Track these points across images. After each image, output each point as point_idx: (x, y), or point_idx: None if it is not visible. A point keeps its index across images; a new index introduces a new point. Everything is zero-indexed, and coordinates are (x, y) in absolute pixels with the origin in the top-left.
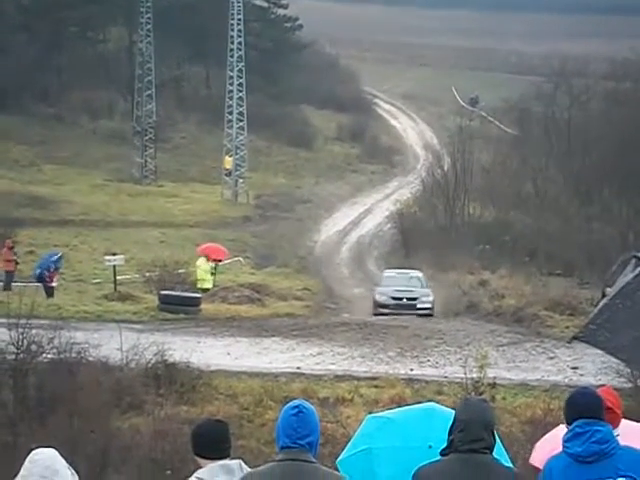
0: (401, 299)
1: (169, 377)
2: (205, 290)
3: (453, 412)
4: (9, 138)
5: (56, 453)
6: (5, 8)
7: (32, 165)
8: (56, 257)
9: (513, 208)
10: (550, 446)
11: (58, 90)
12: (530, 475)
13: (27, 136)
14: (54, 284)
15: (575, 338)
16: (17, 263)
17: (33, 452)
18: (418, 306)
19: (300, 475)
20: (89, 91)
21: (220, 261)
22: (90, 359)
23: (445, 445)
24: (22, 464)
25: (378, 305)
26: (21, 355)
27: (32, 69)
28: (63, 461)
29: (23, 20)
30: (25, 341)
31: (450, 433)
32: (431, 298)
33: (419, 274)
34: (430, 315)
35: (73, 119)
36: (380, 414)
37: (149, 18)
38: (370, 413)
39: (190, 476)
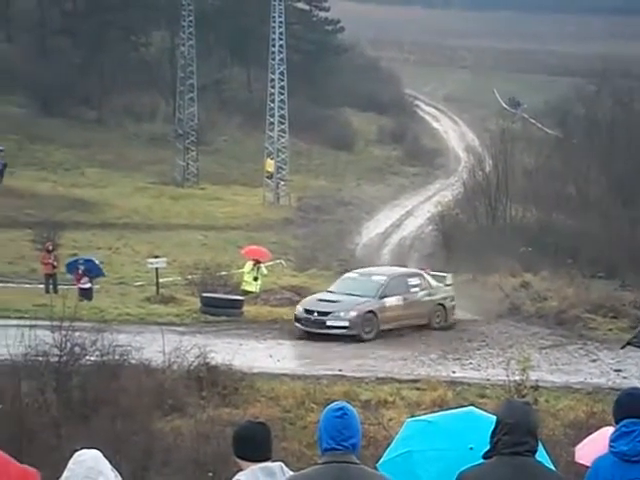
0: (312, 312)
1: (211, 379)
2: (249, 293)
3: (491, 416)
4: (52, 141)
5: (100, 454)
6: (49, 13)
7: (75, 168)
8: (82, 260)
9: (555, 210)
10: (597, 445)
11: (101, 94)
12: (572, 478)
13: (70, 139)
14: (84, 285)
15: (629, 344)
16: (54, 267)
17: (77, 453)
18: (328, 323)
19: (346, 477)
20: (132, 94)
21: (259, 262)
22: (132, 361)
23: (487, 448)
24: (66, 465)
25: (295, 318)
26: (64, 357)
27: (75, 73)
28: (107, 462)
29: (66, 24)
30: (68, 343)
31: (493, 436)
32: (353, 314)
33: (396, 274)
34: (349, 336)
35: (116, 122)
36: (419, 418)
37: (191, 21)
38: (412, 415)
39: (231, 478)
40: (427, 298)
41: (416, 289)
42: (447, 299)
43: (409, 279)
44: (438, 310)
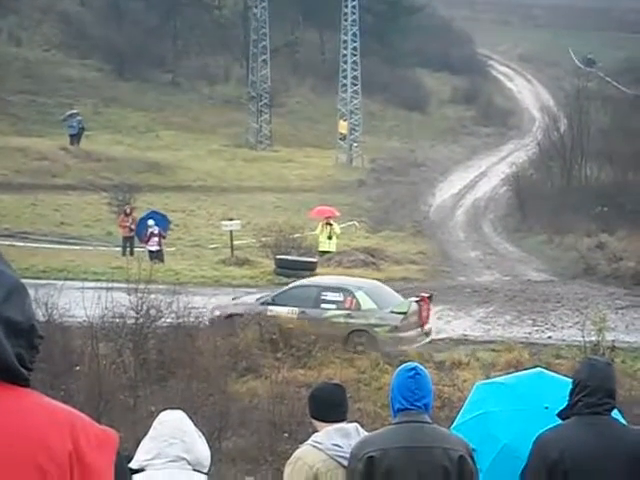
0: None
1: (285, 341)
2: (326, 253)
3: (561, 377)
4: (127, 105)
5: (184, 415)
6: None
7: (149, 131)
8: (147, 215)
9: (632, 169)
10: None
11: (174, 56)
12: None
13: (144, 102)
14: (152, 247)
15: None
16: (132, 230)
17: (162, 414)
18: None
19: (421, 436)
20: (205, 57)
21: (330, 222)
22: (207, 323)
23: (563, 407)
24: (144, 425)
25: None
26: (141, 319)
27: (149, 36)
28: (191, 423)
29: None
30: (144, 306)
31: (572, 395)
32: (216, 313)
33: (305, 284)
34: None
35: (189, 85)
36: (488, 381)
37: None
38: (487, 377)
39: (307, 439)
40: (342, 320)
41: (330, 306)
42: (382, 327)
43: (325, 293)
44: (358, 336)
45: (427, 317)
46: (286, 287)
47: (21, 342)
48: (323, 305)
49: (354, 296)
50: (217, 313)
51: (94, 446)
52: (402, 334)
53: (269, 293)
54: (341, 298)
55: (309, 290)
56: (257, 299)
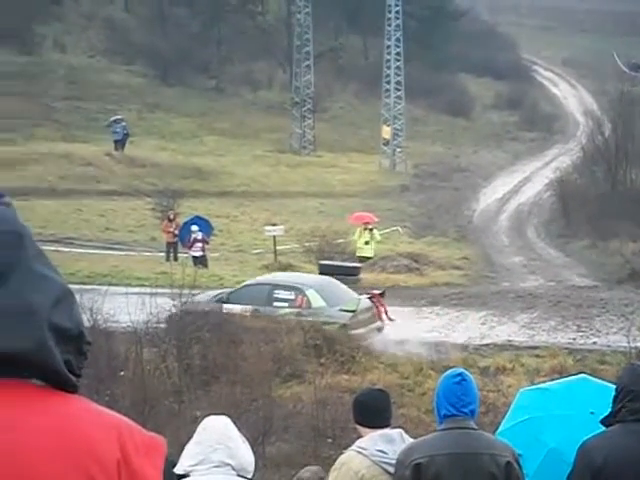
0: None
1: (329, 346)
2: (365, 259)
3: (604, 383)
4: (171, 110)
5: (229, 420)
6: None
7: (194, 137)
8: (190, 221)
9: None
10: None
11: (219, 62)
12: None
13: (189, 108)
14: (196, 253)
15: None
16: (175, 235)
17: (206, 419)
18: None
19: (468, 443)
20: (249, 63)
21: (369, 227)
22: (252, 329)
23: (607, 414)
24: (188, 430)
25: None
26: (185, 325)
27: (193, 42)
28: (235, 428)
29: None
30: (189, 311)
31: (615, 402)
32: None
33: (260, 282)
34: None
35: (233, 91)
36: (532, 387)
37: None
38: (532, 383)
39: (351, 445)
40: (292, 317)
41: (282, 304)
42: (331, 325)
43: (277, 291)
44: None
45: (380, 314)
46: (240, 285)
47: (70, 348)
48: (275, 303)
49: (305, 294)
50: (174, 310)
51: (142, 453)
52: (351, 331)
53: (224, 291)
54: (292, 296)
55: (262, 288)
56: (213, 297)
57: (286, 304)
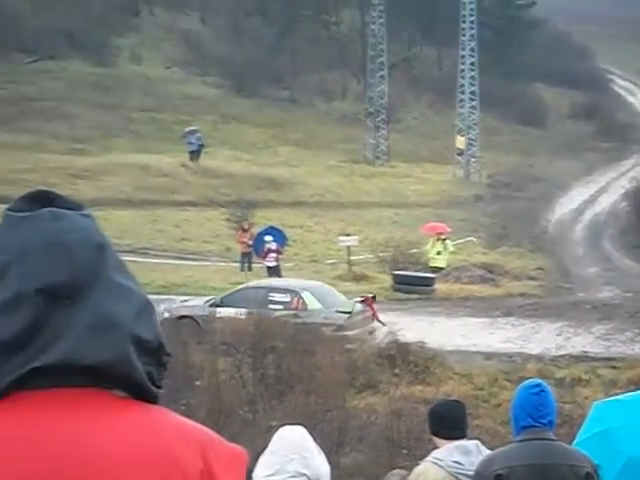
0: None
1: (403, 357)
2: (437, 269)
3: None
4: (245, 121)
5: (304, 430)
6: None
7: (268, 147)
8: (264, 231)
9: None
10: None
11: (292, 73)
12: None
13: (263, 119)
14: (270, 263)
15: None
16: (249, 245)
17: (282, 429)
18: None
19: (548, 453)
20: (323, 73)
21: (442, 237)
22: (326, 339)
23: None
24: (263, 440)
25: None
26: (260, 335)
27: (267, 53)
28: (311, 438)
29: (259, 5)
30: (264, 320)
31: None
32: (164, 316)
33: (254, 286)
34: None
35: (307, 101)
36: (606, 399)
37: None
38: (608, 394)
39: (426, 456)
40: (289, 319)
41: (278, 306)
42: (328, 326)
43: (273, 294)
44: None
45: (372, 316)
46: (234, 289)
47: (150, 360)
48: (270, 306)
49: (301, 297)
50: (166, 315)
51: (224, 464)
52: (347, 332)
53: (216, 296)
54: (288, 299)
55: (257, 292)
56: (206, 301)
57: (281, 307)
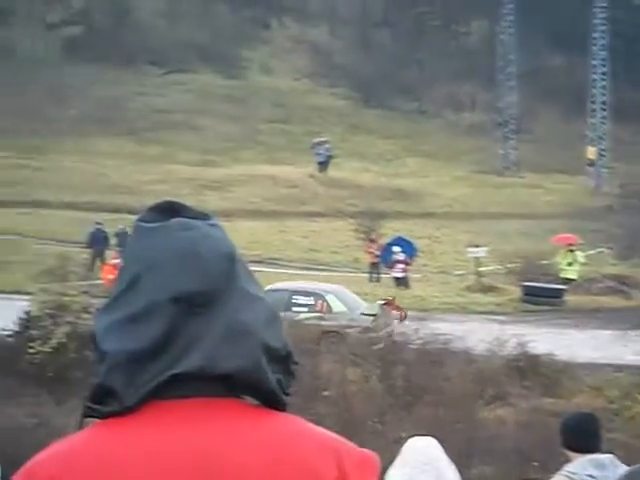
0: None
1: (532, 369)
2: (569, 280)
3: None
4: (374, 132)
5: (436, 441)
6: (370, 5)
7: (396, 158)
8: (393, 241)
9: None
10: None
11: (421, 84)
12: None
13: (391, 130)
14: (398, 274)
15: None
16: (377, 256)
17: (412, 440)
18: None
19: None
20: (451, 84)
21: (572, 248)
22: (454, 350)
23: None
24: (391, 450)
25: None
26: (388, 345)
27: (395, 64)
28: (442, 450)
29: (387, 16)
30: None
31: None
32: None
33: (279, 288)
34: None
35: (436, 112)
36: None
37: (511, 9)
38: None
39: (559, 469)
40: (314, 322)
41: (302, 309)
42: (353, 329)
43: (297, 297)
44: (329, 337)
45: (394, 319)
46: None
47: (279, 368)
48: (294, 309)
49: (325, 299)
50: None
51: (358, 470)
52: (373, 334)
53: None
54: (312, 302)
55: (280, 294)
56: None
57: (306, 309)
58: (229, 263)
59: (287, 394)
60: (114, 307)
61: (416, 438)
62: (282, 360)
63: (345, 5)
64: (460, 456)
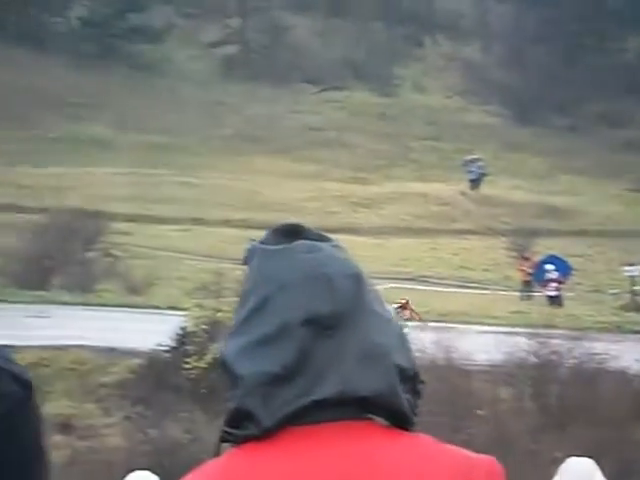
0: None
1: None
2: None
3: None
4: (525, 149)
5: (593, 463)
6: (524, 21)
7: (549, 176)
8: (546, 259)
9: None
10: None
11: (574, 101)
12: None
13: (543, 147)
14: (551, 292)
15: None
16: (530, 274)
17: (570, 460)
18: None
19: None
20: (604, 101)
21: None
22: (610, 370)
23: None
24: (545, 471)
25: None
26: (541, 365)
27: (548, 81)
28: (600, 472)
29: (541, 32)
30: (545, 351)
31: None
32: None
33: None
34: None
35: (589, 129)
36: None
37: None
38: None
39: None
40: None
41: None
42: None
43: None
44: None
45: (417, 317)
46: None
47: (408, 388)
48: None
49: None
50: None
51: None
52: None
53: None
54: None
55: None
56: None
57: None
58: (356, 284)
59: (415, 414)
60: (244, 329)
61: (573, 459)
62: (410, 380)
63: (497, 22)
64: (618, 477)
